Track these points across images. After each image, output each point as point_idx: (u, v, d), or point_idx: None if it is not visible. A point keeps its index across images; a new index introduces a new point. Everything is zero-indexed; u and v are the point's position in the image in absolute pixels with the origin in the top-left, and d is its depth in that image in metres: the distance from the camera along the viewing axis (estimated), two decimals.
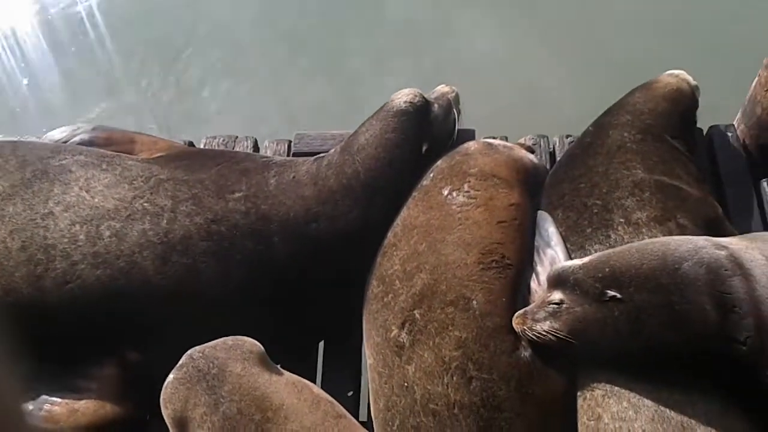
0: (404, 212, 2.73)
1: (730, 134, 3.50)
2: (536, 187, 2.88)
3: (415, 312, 2.38)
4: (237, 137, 3.81)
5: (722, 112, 3.61)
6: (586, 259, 2.17)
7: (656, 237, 2.36)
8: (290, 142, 3.77)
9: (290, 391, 2.22)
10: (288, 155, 3.69)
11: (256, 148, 3.79)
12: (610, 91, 3.09)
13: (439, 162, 2.87)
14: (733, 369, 1.98)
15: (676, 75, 3.04)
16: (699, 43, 5.31)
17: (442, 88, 3.16)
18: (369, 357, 2.53)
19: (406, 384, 2.29)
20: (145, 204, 2.64)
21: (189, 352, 2.25)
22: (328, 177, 2.81)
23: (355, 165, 2.81)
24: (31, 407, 2.45)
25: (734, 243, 2.12)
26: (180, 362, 2.23)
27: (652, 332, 2.00)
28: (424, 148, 2.91)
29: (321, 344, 3.08)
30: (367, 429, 2.29)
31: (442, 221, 2.58)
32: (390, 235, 2.70)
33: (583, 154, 2.84)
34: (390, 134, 2.86)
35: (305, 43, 6.07)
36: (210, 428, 2.09)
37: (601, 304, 2.06)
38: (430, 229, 2.58)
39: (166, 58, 6.15)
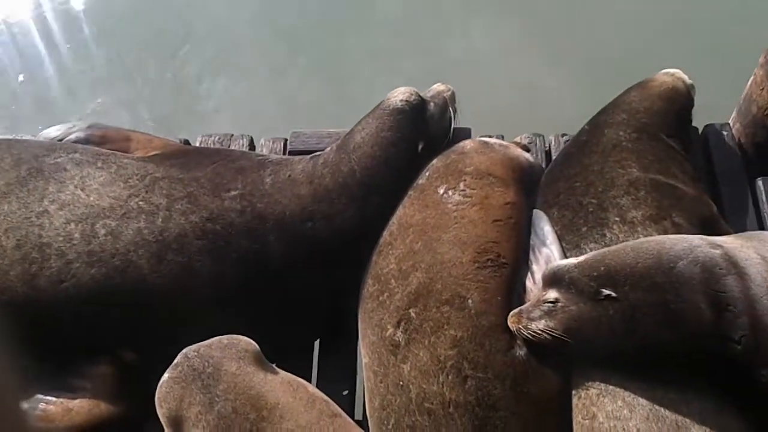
0: (400, 211, 2.73)
1: (725, 133, 3.50)
2: (532, 185, 2.88)
3: (411, 311, 2.38)
4: (233, 135, 3.80)
5: (718, 110, 3.61)
6: (581, 258, 2.18)
7: (651, 236, 2.36)
8: (286, 140, 3.76)
9: (285, 389, 2.22)
10: (284, 153, 3.68)
11: (251, 146, 3.79)
12: (606, 90, 3.09)
13: (434, 160, 2.87)
14: (728, 368, 1.98)
15: (672, 74, 3.05)
16: (695, 42, 5.31)
17: (438, 87, 3.16)
18: (364, 356, 2.53)
19: (401, 383, 2.29)
20: (141, 202, 2.63)
21: (184, 351, 2.24)
22: (324, 175, 2.81)
23: (351, 163, 2.81)
24: (26, 406, 2.44)
25: (729, 242, 2.13)
26: (175, 361, 2.22)
27: (647, 331, 2.00)
28: (419, 147, 2.91)
29: (316, 343, 3.08)
30: (362, 428, 2.28)
31: (438, 220, 2.58)
32: (386, 233, 2.69)
33: (578, 153, 2.85)
34: (386, 133, 2.85)
35: (301, 41, 6.06)
36: (205, 427, 2.08)
37: (597, 302, 2.06)
38: (425, 227, 2.58)
39: (162, 56, 6.13)
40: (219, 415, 2.09)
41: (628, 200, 2.53)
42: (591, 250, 2.39)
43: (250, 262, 2.64)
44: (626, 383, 2.09)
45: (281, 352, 2.63)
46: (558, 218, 2.64)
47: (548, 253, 2.51)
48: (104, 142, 3.11)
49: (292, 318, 2.78)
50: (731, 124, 3.55)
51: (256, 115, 5.60)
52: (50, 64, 6.22)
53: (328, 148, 2.96)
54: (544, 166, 3.24)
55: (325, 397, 2.30)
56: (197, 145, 3.75)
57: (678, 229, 2.45)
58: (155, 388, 2.20)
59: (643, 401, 2.04)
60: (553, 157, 3.29)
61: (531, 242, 2.62)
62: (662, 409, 2.01)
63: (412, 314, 2.37)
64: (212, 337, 2.30)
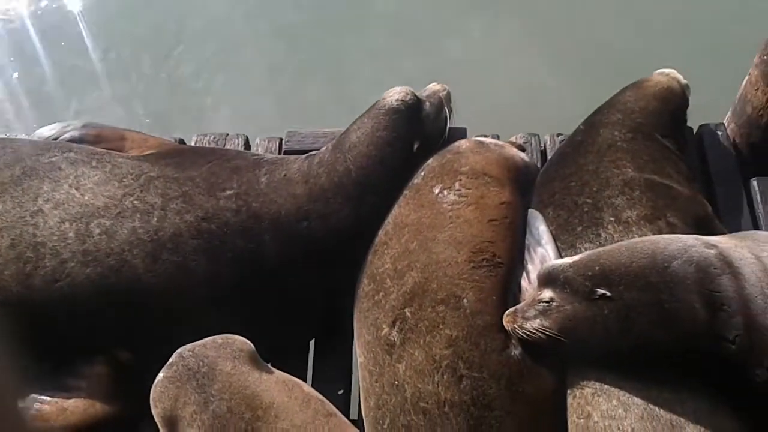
0: (395, 210, 2.73)
1: (720, 133, 3.51)
2: (527, 185, 2.88)
3: (406, 310, 2.38)
4: (228, 135, 3.80)
5: (712, 110, 3.62)
6: (576, 258, 2.18)
7: (646, 235, 2.37)
8: (281, 139, 3.76)
9: (280, 389, 2.22)
10: (279, 153, 3.68)
11: (247, 145, 3.78)
12: (601, 89, 3.10)
13: (430, 160, 2.87)
14: (722, 367, 1.99)
15: (667, 74, 3.05)
16: (690, 42, 5.33)
17: (433, 86, 3.16)
18: (360, 355, 2.53)
19: (396, 382, 2.29)
20: (135, 202, 2.63)
21: (179, 350, 2.24)
22: (319, 175, 2.81)
23: (347, 163, 2.81)
24: (21, 406, 2.44)
25: (724, 242, 2.13)
26: (170, 361, 2.22)
27: (641, 330, 2.00)
28: (415, 146, 2.91)
29: (312, 342, 3.08)
30: (357, 427, 2.29)
31: (433, 219, 2.58)
32: (381, 233, 2.69)
33: (573, 153, 2.85)
34: (381, 132, 2.85)
35: (298, 40, 6.06)
36: (200, 427, 2.08)
37: (591, 302, 2.06)
38: (421, 227, 2.58)
39: (158, 54, 6.12)
40: (214, 415, 2.09)
41: (623, 200, 2.54)
42: (586, 250, 2.40)
43: (245, 261, 2.64)
44: (621, 382, 2.10)
45: (276, 351, 2.63)
46: (553, 218, 2.64)
47: (543, 253, 2.52)
48: (99, 141, 3.10)
49: (287, 317, 2.78)
50: (726, 124, 3.56)
51: (251, 114, 5.59)
52: (45, 62, 6.20)
53: (324, 148, 2.96)
54: (539, 165, 3.25)
55: (321, 397, 2.31)
56: (192, 144, 3.75)
57: (672, 229, 2.45)
58: (150, 388, 2.19)
59: (637, 400, 2.04)
60: (549, 157, 3.30)
61: (526, 242, 2.62)
62: (657, 409, 2.01)
63: (408, 314, 2.37)
64: (207, 336, 2.30)
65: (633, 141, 2.78)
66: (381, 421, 2.32)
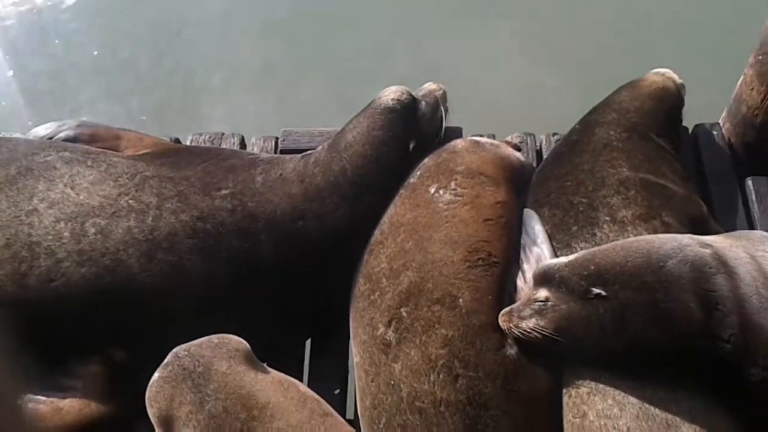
0: (391, 210, 2.73)
1: (715, 133, 3.52)
2: (523, 185, 2.89)
3: (402, 310, 2.38)
4: (223, 134, 3.79)
5: (708, 110, 3.62)
6: (571, 257, 2.18)
7: (641, 235, 2.37)
8: (277, 139, 3.76)
9: (276, 389, 2.21)
10: (275, 152, 3.68)
11: (242, 144, 3.78)
12: (597, 89, 3.10)
13: (426, 160, 2.88)
14: (717, 367, 1.99)
15: (662, 73, 3.06)
16: (685, 42, 5.34)
17: (429, 86, 3.16)
18: (356, 355, 2.53)
19: (392, 382, 2.29)
20: (131, 201, 2.62)
21: (174, 350, 2.24)
22: (315, 174, 2.81)
23: (343, 162, 2.81)
24: (20, 405, 2.43)
25: (719, 241, 2.14)
26: (165, 360, 2.22)
27: (636, 330, 2.01)
28: (411, 146, 2.91)
29: (308, 342, 3.08)
30: (353, 427, 2.29)
31: (429, 219, 2.58)
32: (377, 232, 2.69)
33: (569, 152, 2.85)
34: (377, 132, 2.85)
35: (293, 40, 6.05)
36: (195, 427, 2.08)
37: (587, 301, 2.07)
38: (416, 226, 2.58)
39: (154, 53, 6.11)
40: (209, 415, 2.08)
41: (619, 199, 2.54)
42: (581, 249, 2.40)
43: (240, 261, 2.64)
44: (616, 382, 2.10)
45: (272, 351, 2.63)
46: (549, 217, 2.65)
47: (539, 252, 2.52)
48: (94, 140, 3.09)
49: (283, 317, 2.77)
50: (721, 124, 3.57)
51: (247, 113, 5.59)
52: (41, 59, 6.18)
53: (320, 147, 2.96)
54: (535, 165, 3.25)
55: (317, 396, 2.30)
56: (188, 143, 3.74)
57: (668, 229, 2.46)
58: (146, 388, 2.19)
59: (633, 400, 2.05)
60: (544, 157, 3.30)
61: (522, 241, 2.62)
62: (652, 408, 2.02)
63: (403, 313, 2.37)
64: (203, 336, 2.30)
65: (628, 140, 2.78)
66: (377, 421, 2.32)
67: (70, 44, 6.23)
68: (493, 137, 3.40)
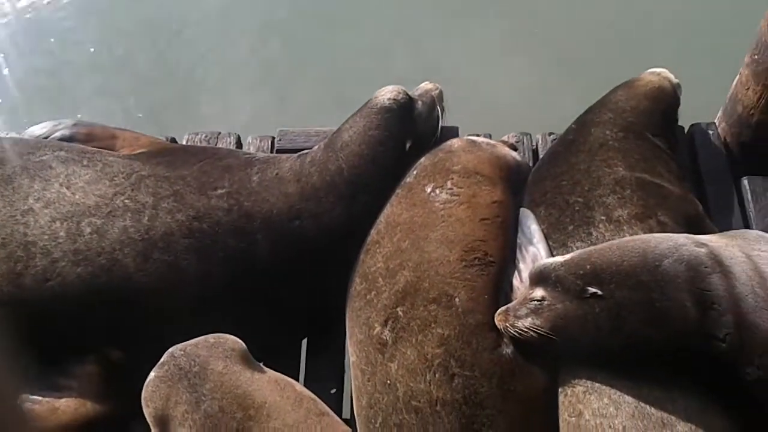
0: (387, 209, 2.73)
1: (711, 132, 3.53)
2: (519, 184, 2.89)
3: (398, 309, 2.38)
4: (220, 133, 3.79)
5: (703, 110, 3.63)
6: (567, 257, 2.18)
7: (637, 234, 2.38)
8: (273, 138, 3.75)
9: (273, 388, 2.21)
10: (271, 152, 3.67)
11: (239, 144, 3.77)
12: (593, 89, 3.10)
13: (422, 159, 2.88)
14: (713, 366, 1.99)
15: (658, 73, 3.06)
16: (681, 41, 5.34)
17: (425, 86, 3.17)
18: (352, 354, 2.53)
19: (388, 381, 2.29)
20: (126, 201, 2.62)
21: (170, 350, 2.23)
22: (311, 174, 2.81)
23: (339, 162, 2.81)
24: (18, 405, 2.43)
25: (714, 240, 2.14)
26: (161, 360, 2.21)
27: (632, 329, 2.01)
28: (407, 145, 2.92)
29: (304, 342, 3.07)
30: (349, 426, 2.29)
31: (425, 218, 2.58)
32: (373, 232, 2.69)
33: (565, 152, 2.86)
34: (373, 131, 2.86)
35: (290, 39, 6.04)
36: (191, 426, 2.08)
37: (582, 300, 2.07)
38: (413, 226, 2.58)
39: (150, 51, 6.09)
40: (205, 414, 2.08)
41: (614, 199, 2.55)
42: (577, 249, 2.40)
43: (237, 260, 2.63)
44: (612, 381, 2.10)
45: (268, 350, 2.63)
46: (545, 217, 2.65)
47: (535, 252, 2.52)
48: (90, 139, 3.09)
49: (279, 316, 2.77)
50: (717, 124, 3.58)
51: (243, 112, 5.58)
52: (37, 58, 6.15)
53: (316, 147, 2.96)
54: (531, 164, 3.25)
55: (313, 396, 2.30)
56: (184, 142, 3.73)
57: (663, 228, 2.46)
58: (141, 387, 2.19)
59: (628, 399, 2.05)
60: (540, 156, 3.30)
61: (518, 241, 2.62)
62: (648, 407, 2.02)
63: (400, 313, 2.37)
64: (199, 335, 2.30)
65: (624, 140, 2.79)
66: (373, 420, 2.32)
67: (66, 42, 6.20)
68: (490, 137, 3.40)
